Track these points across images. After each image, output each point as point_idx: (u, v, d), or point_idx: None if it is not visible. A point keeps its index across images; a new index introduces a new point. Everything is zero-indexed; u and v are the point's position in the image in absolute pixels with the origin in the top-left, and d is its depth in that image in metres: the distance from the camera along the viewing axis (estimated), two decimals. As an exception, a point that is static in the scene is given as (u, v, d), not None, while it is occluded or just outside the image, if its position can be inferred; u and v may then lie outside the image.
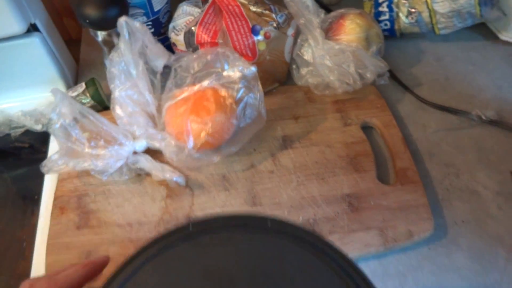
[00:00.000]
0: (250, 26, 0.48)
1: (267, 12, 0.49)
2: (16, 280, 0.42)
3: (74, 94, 0.52)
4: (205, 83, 0.43)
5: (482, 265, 0.42)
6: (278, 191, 0.45)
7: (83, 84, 0.53)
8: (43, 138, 0.54)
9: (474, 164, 0.49)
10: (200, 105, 0.43)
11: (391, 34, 0.60)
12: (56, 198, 0.46)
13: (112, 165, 0.45)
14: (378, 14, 0.58)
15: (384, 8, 0.58)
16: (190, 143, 0.42)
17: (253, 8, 0.49)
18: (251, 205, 0.44)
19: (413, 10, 0.56)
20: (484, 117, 0.50)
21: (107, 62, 0.51)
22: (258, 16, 0.49)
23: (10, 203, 0.48)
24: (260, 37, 0.49)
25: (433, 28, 0.58)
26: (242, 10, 0.49)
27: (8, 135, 0.52)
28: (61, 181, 0.47)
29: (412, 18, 0.57)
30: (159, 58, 0.45)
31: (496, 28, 0.60)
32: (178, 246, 0.24)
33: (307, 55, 0.51)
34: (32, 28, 0.51)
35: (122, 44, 0.43)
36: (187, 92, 0.44)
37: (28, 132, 0.53)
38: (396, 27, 0.59)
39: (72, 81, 0.58)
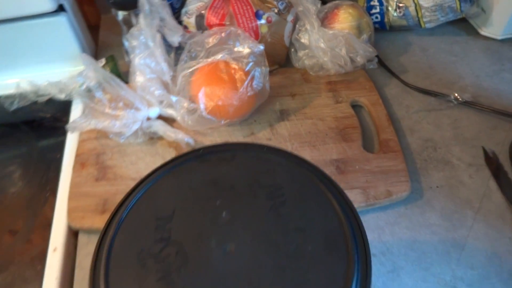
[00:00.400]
0: (254, 10, 0.55)
1: (270, -1, 0.56)
2: (40, 222, 0.48)
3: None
4: (219, 56, 0.50)
5: (452, 223, 0.47)
6: (274, 155, 0.51)
7: (103, 60, 0.59)
8: (64, 108, 0.60)
9: (450, 140, 0.54)
10: (214, 74, 0.49)
11: (382, 27, 0.66)
12: (77, 155, 0.52)
13: (128, 127, 0.50)
14: (369, 8, 0.65)
15: (375, 2, 0.64)
16: (202, 105, 0.48)
17: (257, -4, 0.56)
18: (250, 165, 0.50)
19: (401, 4, 0.63)
20: (460, 99, 0.56)
21: (125, 39, 0.58)
22: (262, 3, 0.56)
23: (35, 160, 0.54)
24: (262, 21, 0.55)
25: (419, 22, 0.64)
26: (248, -4, 0.55)
27: (35, 103, 0.58)
28: (81, 141, 0.53)
29: (400, 12, 0.63)
30: (175, 34, 0.51)
31: (477, 24, 0.66)
32: (191, 163, 0.30)
33: (304, 39, 0.57)
34: (60, 9, 0.57)
35: (142, 20, 0.50)
36: (202, 63, 0.50)
37: (51, 102, 0.59)
38: (386, 20, 0.65)
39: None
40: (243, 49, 0.51)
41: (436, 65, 0.64)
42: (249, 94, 0.51)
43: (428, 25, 0.64)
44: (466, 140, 0.54)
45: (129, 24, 0.57)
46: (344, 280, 0.24)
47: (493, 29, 0.64)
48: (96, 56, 0.66)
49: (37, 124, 0.58)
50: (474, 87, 0.60)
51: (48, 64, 0.61)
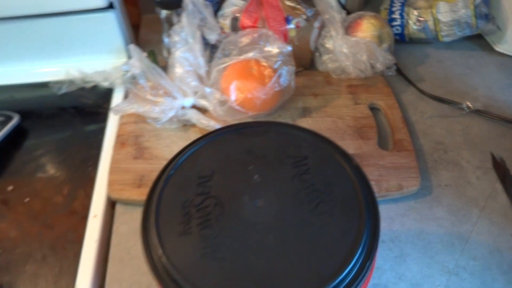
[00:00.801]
0: (285, 16, 0.60)
1: (299, 6, 0.61)
2: (82, 192, 0.53)
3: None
4: (250, 54, 0.55)
5: (458, 218, 0.51)
6: (295, 146, 0.56)
7: (145, 53, 0.65)
8: (105, 96, 0.66)
9: (460, 144, 0.58)
10: (245, 70, 0.55)
11: (401, 39, 0.71)
12: (118, 136, 0.57)
13: (165, 114, 0.56)
14: (391, 20, 0.69)
15: (396, 15, 0.69)
16: (233, 96, 0.53)
17: (287, 2, 0.61)
18: (273, 154, 0.55)
19: (421, 18, 0.67)
20: (472, 107, 0.60)
21: (165, 36, 0.64)
22: (292, 9, 0.61)
23: (79, 139, 0.60)
24: (292, 26, 0.60)
25: (437, 35, 0.69)
26: (279, 3, 0.61)
27: (81, 89, 0.65)
28: (122, 124, 0.59)
29: (419, 25, 0.68)
30: (214, 32, 0.56)
31: (492, 40, 0.70)
32: (228, 135, 0.35)
33: (329, 44, 0.62)
34: (109, 6, 0.64)
35: (185, 18, 0.55)
36: (235, 59, 0.55)
37: (95, 89, 0.65)
38: (405, 32, 0.70)
39: (132, 53, 0.71)
40: (273, 49, 0.56)
41: (451, 76, 0.68)
42: (276, 89, 0.56)
43: (445, 39, 0.69)
44: (476, 145, 0.58)
45: (170, 22, 0.63)
46: (357, 232, 0.28)
47: (507, 46, 0.68)
48: (136, 51, 0.73)
49: (82, 109, 0.64)
50: (486, 98, 0.64)
51: (94, 55, 0.67)
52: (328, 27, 0.62)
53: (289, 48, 0.56)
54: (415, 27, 0.68)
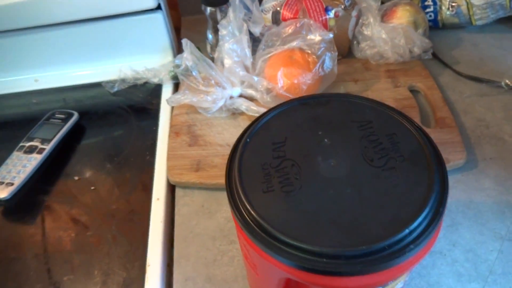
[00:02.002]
0: (324, 6, 0.63)
1: (337, -3, 0.64)
2: (142, 178, 0.57)
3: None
4: (294, 43, 0.58)
5: (505, 188, 0.52)
6: (341, 128, 0.58)
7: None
8: (153, 93, 0.70)
9: (501, 120, 0.60)
10: (290, 58, 0.58)
11: (435, 25, 0.73)
12: (172, 126, 0.61)
13: (216, 103, 0.59)
14: (424, 7, 0.72)
15: (429, 2, 0.71)
16: (280, 83, 0.57)
17: (326, -6, 0.64)
18: (320, 136, 0.58)
19: (453, 3, 0.70)
20: (511, 84, 0.62)
21: (209, 33, 0.68)
22: (330, 0, 0.64)
23: (135, 132, 0.64)
24: (331, 15, 0.63)
25: (470, 19, 0.70)
26: (318, -6, 0.64)
27: (132, 87, 0.69)
28: (175, 115, 0.63)
29: (452, 10, 0.70)
30: (258, 25, 0.60)
31: (525, 22, 0.72)
32: (294, 106, 0.38)
33: (367, 31, 0.64)
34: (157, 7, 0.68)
35: (231, 13, 0.59)
36: (279, 49, 0.58)
37: (144, 87, 0.70)
38: (439, 18, 0.72)
39: (176, 52, 0.75)
40: (315, 37, 0.59)
41: (486, 58, 0.70)
42: (320, 74, 0.59)
43: (478, 22, 0.71)
44: (517, 121, 0.60)
45: (214, 19, 0.67)
46: (428, 181, 0.30)
47: (540, 25, 0.70)
48: (179, 51, 0.77)
49: (134, 105, 0.68)
50: (523, 76, 0.65)
51: (143, 54, 0.71)
52: (366, 15, 0.65)
53: (331, 35, 0.59)
54: (448, 12, 0.71)
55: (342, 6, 0.64)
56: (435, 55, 0.69)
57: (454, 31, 0.75)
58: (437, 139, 0.56)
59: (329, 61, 0.59)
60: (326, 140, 0.35)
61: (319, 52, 0.59)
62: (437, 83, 0.65)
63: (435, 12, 0.71)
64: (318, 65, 0.58)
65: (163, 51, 0.72)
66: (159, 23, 0.68)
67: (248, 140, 0.36)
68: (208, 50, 0.71)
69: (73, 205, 0.55)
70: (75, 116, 0.64)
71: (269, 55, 0.60)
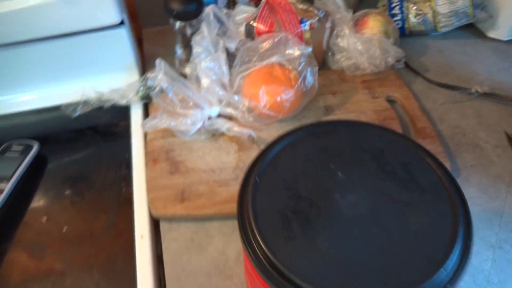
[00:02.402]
0: (299, 18, 0.62)
1: (311, 8, 0.63)
2: (121, 214, 0.52)
3: (153, 75, 0.63)
4: (273, 59, 0.56)
5: (489, 196, 0.54)
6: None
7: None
8: (121, 114, 0.65)
9: (475, 126, 0.62)
10: (271, 75, 0.55)
11: (402, 32, 0.74)
12: (148, 153, 0.57)
13: (195, 125, 0.56)
14: (392, 15, 0.72)
15: (396, 10, 0.72)
16: (263, 102, 0.54)
17: (299, 6, 0.63)
18: (307, 154, 0.56)
19: (420, 12, 0.71)
20: (480, 90, 0.64)
21: (178, 48, 0.64)
22: (304, 12, 0.63)
23: (106, 161, 0.58)
24: (306, 27, 0.62)
25: (435, 27, 0.72)
26: (292, 7, 0.62)
27: (96, 109, 0.63)
28: (149, 140, 0.58)
29: (419, 18, 0.71)
30: (234, 40, 0.57)
31: (484, 27, 0.75)
32: (299, 137, 0.36)
33: (343, 42, 0.64)
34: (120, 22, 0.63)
35: (205, 28, 0.56)
36: (258, 65, 0.56)
37: (110, 108, 0.64)
38: (406, 26, 0.73)
39: (142, 69, 0.70)
40: (294, 51, 0.58)
41: (453, 64, 0.72)
42: (302, 90, 0.57)
43: (443, 30, 0.72)
44: (489, 126, 0.62)
45: (183, 33, 0.63)
46: (453, 214, 0.30)
47: (499, 32, 0.73)
48: (144, 66, 0.72)
49: (99, 130, 0.63)
50: (489, 81, 0.68)
51: (107, 74, 0.66)
52: (340, 26, 0.64)
53: (310, 49, 0.57)
54: (415, 20, 0.72)
55: (317, 18, 0.62)
56: (406, 63, 0.69)
57: (419, 38, 0.76)
58: (421, 151, 0.56)
59: (310, 76, 0.57)
60: (340, 174, 0.33)
61: (300, 68, 0.57)
62: (411, 91, 0.66)
63: (403, 20, 0.72)
64: (299, 81, 0.56)
65: (128, 69, 0.67)
66: (123, 40, 0.63)
67: (257, 179, 0.33)
68: (176, 64, 0.67)
69: (43, 252, 0.49)
70: (36, 147, 0.58)
71: (247, 72, 0.57)
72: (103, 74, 0.66)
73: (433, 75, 0.70)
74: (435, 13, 0.70)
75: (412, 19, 0.72)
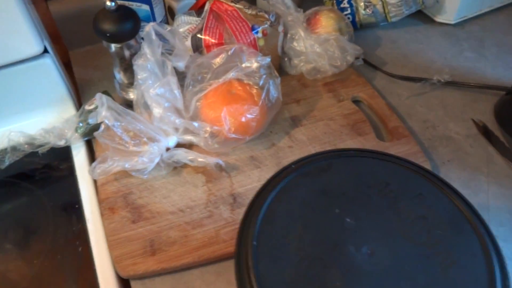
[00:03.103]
0: (250, 25, 0.56)
1: (260, 13, 0.57)
2: (83, 280, 0.44)
3: (92, 107, 0.55)
4: (230, 75, 0.50)
5: (471, 190, 0.52)
6: (301, 160, 0.53)
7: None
8: (60, 155, 0.56)
9: (443, 117, 0.60)
10: (230, 93, 0.49)
11: (353, 26, 0.71)
12: (102, 201, 0.49)
13: (153, 162, 0.49)
14: (341, 10, 0.69)
15: (345, 4, 0.69)
16: (227, 125, 0.48)
17: (248, 11, 0.57)
18: (282, 175, 0.51)
19: (369, 3, 0.68)
20: (442, 80, 0.62)
21: (116, 72, 0.56)
22: (254, 17, 0.57)
23: (52, 216, 0.50)
24: (259, 34, 0.56)
25: (386, 17, 0.70)
26: (240, 13, 0.56)
27: (32, 154, 0.54)
28: (101, 185, 0.50)
29: (369, 10, 0.68)
30: (183, 59, 0.50)
31: (432, 13, 0.74)
32: (292, 179, 0.31)
33: (299, 46, 0.59)
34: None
35: (147, 49, 0.48)
36: (215, 84, 0.50)
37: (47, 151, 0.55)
38: (357, 19, 0.70)
39: (76, 100, 0.61)
40: (251, 64, 0.52)
41: (408, 54, 0.70)
42: (267, 106, 0.52)
43: (393, 19, 0.70)
44: (457, 116, 0.60)
45: (120, 56, 0.55)
46: (484, 252, 0.26)
47: (446, 15, 0.72)
48: (80, 94, 0.62)
49: (36, 177, 0.54)
50: (447, 68, 0.67)
51: (37, 111, 0.56)
52: (294, 29, 0.59)
53: (268, 59, 0.52)
54: (364, 12, 0.69)
55: (268, 23, 0.57)
56: (364, 60, 0.66)
57: (370, 30, 0.74)
58: (399, 153, 0.53)
59: (273, 89, 0.52)
60: (348, 219, 0.28)
61: (261, 81, 0.51)
62: (374, 88, 0.63)
63: (353, 14, 0.69)
64: (263, 95, 0.51)
65: (60, 102, 0.57)
66: (49, 69, 0.54)
67: (255, 243, 0.27)
68: (117, 90, 0.59)
69: None
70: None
71: (203, 93, 0.51)
72: (32, 112, 0.56)
73: (391, 67, 0.67)
74: (384, 4, 0.68)
75: (362, 11, 0.69)
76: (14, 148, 0.53)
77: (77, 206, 0.50)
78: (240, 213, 0.48)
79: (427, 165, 0.52)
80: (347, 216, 0.28)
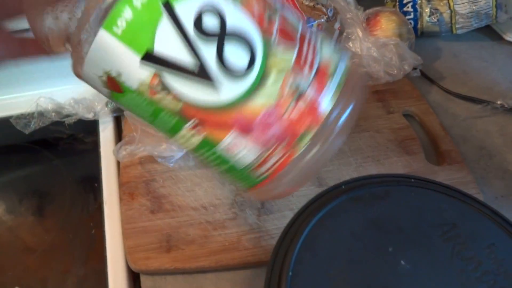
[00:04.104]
0: (305, 18, 0.51)
1: (318, 6, 0.53)
2: (92, 264, 0.41)
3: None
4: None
5: (524, 233, 0.47)
6: (340, 172, 0.48)
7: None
8: (86, 128, 0.53)
9: (502, 147, 0.54)
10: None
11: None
12: (122, 185, 0.46)
13: (182, 150, 0.45)
14: (403, 14, 0.63)
15: (409, 8, 0.63)
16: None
17: (305, 2, 0.52)
18: (317, 185, 0.47)
19: (435, 10, 0.62)
20: (506, 105, 0.56)
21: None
22: (311, 9, 0.52)
23: (69, 191, 0.47)
24: (313, 29, 0.52)
25: (451, 28, 0.64)
26: (296, 3, 0.52)
27: (59, 123, 0.51)
28: (124, 168, 0.47)
29: (434, 18, 0.63)
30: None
31: (501, 30, 0.67)
32: (341, 203, 0.26)
33: (355, 47, 0.54)
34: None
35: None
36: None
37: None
38: (419, 26, 0.64)
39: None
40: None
41: (469, 71, 0.64)
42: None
43: (459, 31, 0.64)
44: (517, 147, 0.54)
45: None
46: None
47: (518, 34, 0.66)
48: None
49: (59, 148, 0.51)
50: (510, 92, 0.60)
51: (68, 78, 0.53)
52: (351, 28, 0.54)
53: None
54: (429, 20, 0.63)
55: (325, 17, 0.52)
56: (421, 72, 0.61)
57: (431, 40, 0.68)
58: (449, 180, 0.48)
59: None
60: (403, 262, 0.24)
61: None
62: (429, 104, 0.58)
63: (415, 20, 0.63)
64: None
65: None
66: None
67: (290, 274, 0.23)
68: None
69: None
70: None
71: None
72: (64, 79, 0.53)
73: (450, 83, 0.61)
74: (453, 13, 0.62)
75: (426, 18, 0.63)
76: (41, 114, 0.51)
77: (96, 185, 0.47)
78: (267, 220, 0.44)
79: (480, 198, 0.47)
80: (402, 257, 0.24)
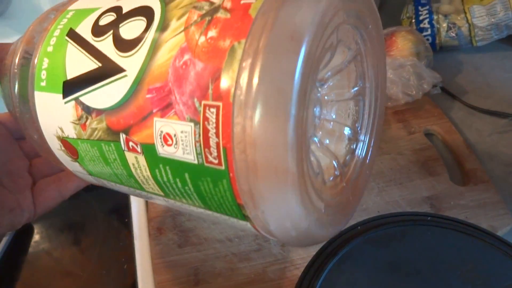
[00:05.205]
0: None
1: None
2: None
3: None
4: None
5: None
6: (363, 198, 0.48)
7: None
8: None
9: (531, 163, 0.53)
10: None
11: (432, 48, 0.64)
12: (151, 220, 0.47)
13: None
14: (420, 30, 0.63)
15: (425, 24, 0.63)
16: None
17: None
18: (340, 213, 0.47)
19: (453, 25, 0.61)
20: (534, 119, 0.55)
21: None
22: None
23: (102, 227, 0.49)
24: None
25: (471, 41, 0.63)
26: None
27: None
28: (152, 203, 0.49)
29: (452, 33, 0.62)
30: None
31: (525, 38, 0.66)
32: (355, 244, 0.27)
33: (371, 70, 0.54)
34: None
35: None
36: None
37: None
38: (437, 41, 0.64)
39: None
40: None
41: (493, 83, 0.63)
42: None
43: (479, 44, 0.63)
44: (547, 162, 0.53)
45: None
46: None
47: (543, 42, 0.64)
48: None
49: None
50: (538, 104, 0.59)
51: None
52: (367, 52, 0.54)
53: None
54: (446, 35, 0.62)
55: (340, 44, 0.53)
56: (442, 87, 0.60)
57: (451, 53, 0.67)
58: (475, 201, 0.47)
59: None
60: (421, 305, 0.24)
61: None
62: (451, 121, 0.57)
63: (433, 36, 0.63)
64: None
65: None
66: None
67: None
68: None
69: None
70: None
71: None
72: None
73: (472, 98, 0.60)
74: (471, 26, 0.61)
75: (444, 33, 0.63)
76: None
77: (126, 220, 0.49)
78: (291, 250, 0.45)
79: (509, 219, 0.46)
80: (420, 301, 0.24)
